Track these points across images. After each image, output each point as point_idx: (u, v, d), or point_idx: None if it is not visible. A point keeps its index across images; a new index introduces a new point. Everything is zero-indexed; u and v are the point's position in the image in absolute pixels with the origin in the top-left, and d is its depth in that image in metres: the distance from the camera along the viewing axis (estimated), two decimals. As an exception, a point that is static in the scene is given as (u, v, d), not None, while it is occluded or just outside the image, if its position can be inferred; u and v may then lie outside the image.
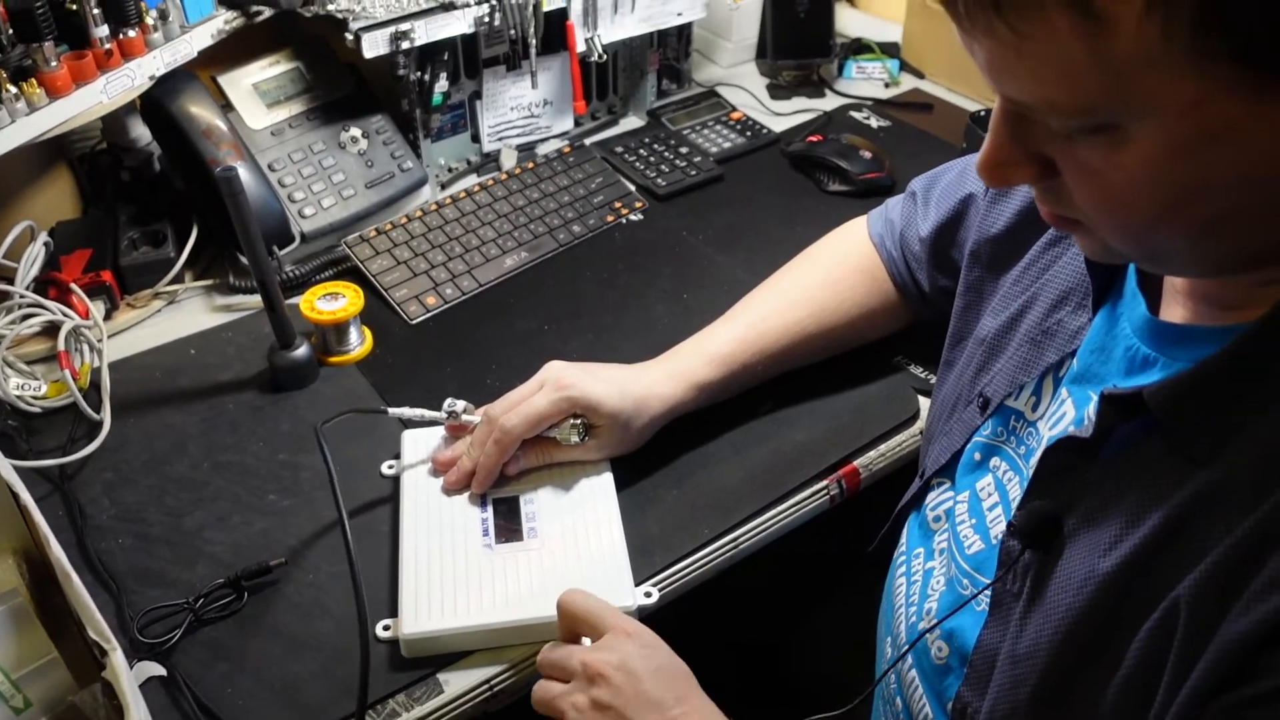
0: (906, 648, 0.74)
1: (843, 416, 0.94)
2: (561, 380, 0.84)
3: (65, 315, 0.96)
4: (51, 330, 0.97)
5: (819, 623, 1.00)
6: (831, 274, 0.94)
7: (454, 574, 0.77)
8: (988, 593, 0.64)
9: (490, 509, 0.82)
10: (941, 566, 0.73)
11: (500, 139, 1.26)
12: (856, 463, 0.90)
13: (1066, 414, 0.64)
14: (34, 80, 0.92)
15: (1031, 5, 0.44)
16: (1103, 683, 0.55)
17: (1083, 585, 0.57)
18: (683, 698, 0.68)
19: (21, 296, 0.96)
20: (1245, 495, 0.50)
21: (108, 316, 1.02)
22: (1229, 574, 0.49)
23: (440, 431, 0.89)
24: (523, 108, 1.25)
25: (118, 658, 0.60)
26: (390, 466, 0.89)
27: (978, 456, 0.73)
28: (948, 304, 0.85)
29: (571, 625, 0.73)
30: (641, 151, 1.27)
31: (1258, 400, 0.51)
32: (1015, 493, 0.67)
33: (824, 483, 0.89)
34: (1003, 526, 0.65)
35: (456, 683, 0.75)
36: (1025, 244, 0.75)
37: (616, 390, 0.84)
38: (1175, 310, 0.60)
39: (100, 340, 0.97)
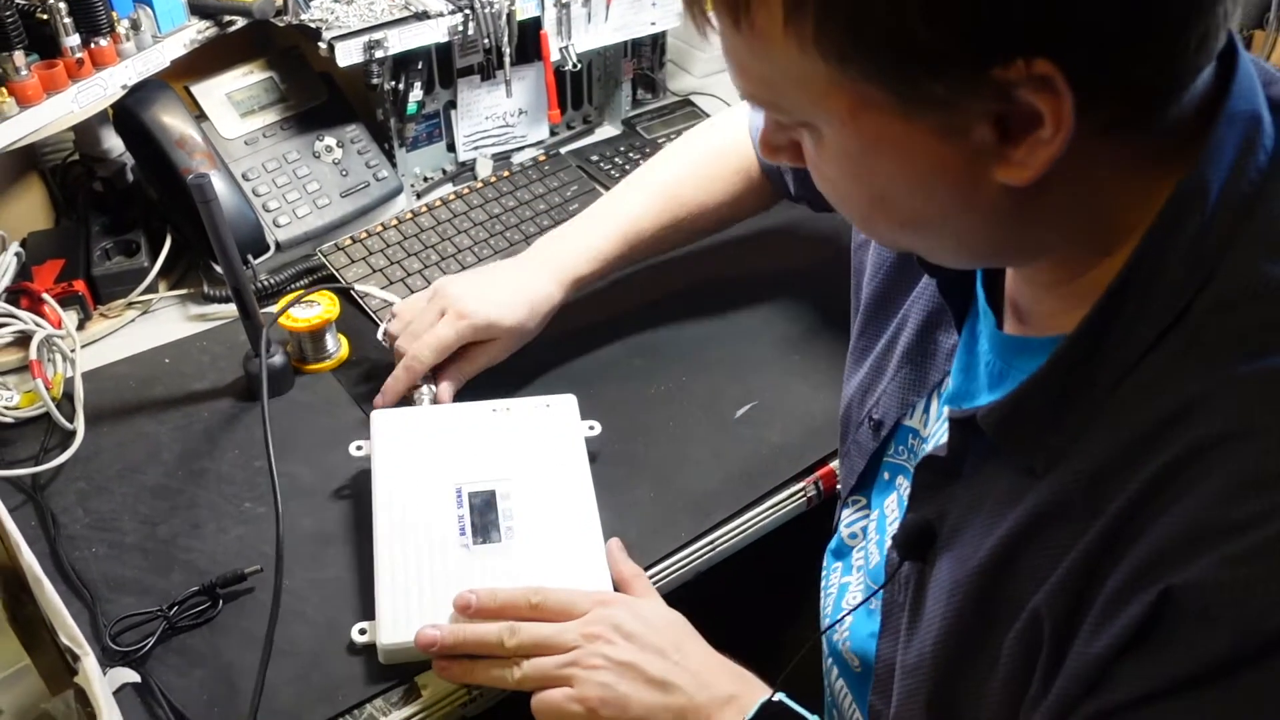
0: (830, 659, 0.76)
1: (818, 419, 0.94)
2: (460, 309, 0.91)
3: (37, 325, 0.95)
4: (23, 341, 0.96)
5: (801, 626, 1.00)
6: (701, 170, 1.00)
7: (431, 578, 0.77)
8: (880, 605, 0.66)
9: (466, 507, 0.81)
10: (858, 583, 0.75)
11: (475, 148, 1.26)
12: (834, 464, 0.91)
13: (945, 430, 0.65)
14: (3, 89, 0.91)
15: (700, 4, 0.49)
16: (982, 690, 0.56)
17: (950, 595, 0.58)
18: (679, 644, 0.70)
19: (-8, 307, 0.96)
20: (1082, 510, 0.50)
21: (81, 326, 1.01)
22: (1075, 588, 0.50)
23: (410, 412, 0.90)
24: (498, 117, 1.26)
25: (90, 663, 0.60)
26: (359, 448, 0.88)
27: (886, 476, 0.74)
28: (813, 202, 0.95)
29: (553, 619, 0.73)
30: (617, 160, 1.27)
31: (1084, 413, 0.51)
32: None
33: (801, 484, 0.89)
34: None
35: (435, 687, 0.75)
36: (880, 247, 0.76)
37: (509, 305, 0.92)
38: (1011, 323, 0.61)
39: (73, 350, 0.96)
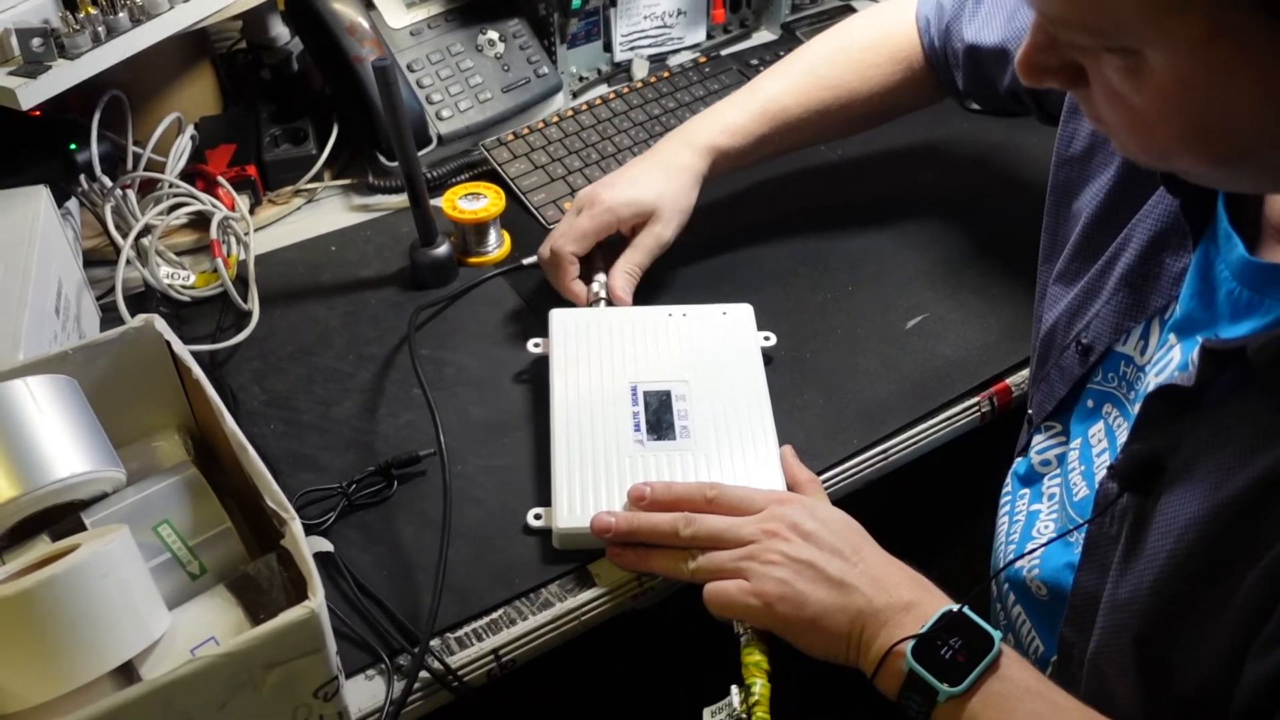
0: (1005, 585, 0.74)
1: (993, 333, 0.91)
2: (593, 199, 0.90)
3: (215, 207, 0.97)
4: (199, 222, 0.98)
5: (965, 545, 0.98)
6: (863, 56, 0.94)
7: (606, 468, 0.77)
8: (1082, 536, 0.63)
9: (641, 405, 0.81)
10: (1050, 512, 0.72)
11: (632, 48, 1.24)
12: (1009, 381, 0.88)
13: (1173, 359, 0.62)
14: (186, -30, 0.92)
15: None
16: (1205, 629, 0.53)
17: (1184, 532, 0.55)
18: (857, 546, 0.69)
19: (172, 186, 0.97)
20: None
21: (251, 211, 1.03)
22: None
23: (588, 312, 0.89)
24: (656, 17, 1.23)
25: (296, 527, 0.61)
26: (536, 345, 0.88)
27: (1090, 404, 0.70)
28: (981, 100, 0.92)
29: (729, 514, 0.72)
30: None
31: None
32: (1124, 439, 0.65)
33: (975, 399, 0.87)
34: None
35: (607, 576, 0.75)
36: (1103, 164, 0.71)
37: (645, 180, 0.90)
38: (1275, 249, 0.57)
39: (247, 233, 0.98)
